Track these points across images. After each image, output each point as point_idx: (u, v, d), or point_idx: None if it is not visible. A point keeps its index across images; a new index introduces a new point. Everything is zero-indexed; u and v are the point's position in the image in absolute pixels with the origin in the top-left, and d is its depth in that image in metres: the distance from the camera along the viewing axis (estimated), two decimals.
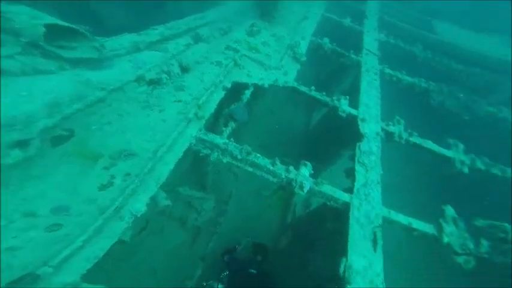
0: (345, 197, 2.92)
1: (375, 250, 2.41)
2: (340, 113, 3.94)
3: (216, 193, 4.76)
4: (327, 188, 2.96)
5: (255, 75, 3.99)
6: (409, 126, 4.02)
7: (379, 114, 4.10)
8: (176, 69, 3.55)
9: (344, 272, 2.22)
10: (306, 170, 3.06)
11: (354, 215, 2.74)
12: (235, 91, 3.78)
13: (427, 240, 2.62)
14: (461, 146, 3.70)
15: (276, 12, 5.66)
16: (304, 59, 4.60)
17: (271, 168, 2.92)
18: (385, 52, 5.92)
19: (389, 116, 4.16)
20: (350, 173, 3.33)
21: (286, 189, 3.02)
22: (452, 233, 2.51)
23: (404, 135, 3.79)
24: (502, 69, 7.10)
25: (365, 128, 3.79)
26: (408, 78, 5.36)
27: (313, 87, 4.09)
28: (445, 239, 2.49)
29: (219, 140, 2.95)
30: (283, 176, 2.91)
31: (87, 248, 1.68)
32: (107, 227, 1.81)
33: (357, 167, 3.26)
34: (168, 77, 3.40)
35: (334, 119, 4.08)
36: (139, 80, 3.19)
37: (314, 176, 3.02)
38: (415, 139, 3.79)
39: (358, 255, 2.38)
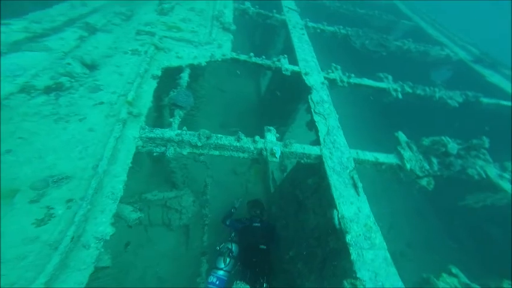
0: (315, 150, 2.96)
1: (358, 194, 2.54)
2: (284, 72, 3.91)
3: (191, 186, 4.46)
4: (297, 147, 2.95)
5: (186, 55, 3.52)
6: (344, 70, 4.29)
7: (317, 65, 4.22)
8: (78, 69, 2.88)
9: (339, 223, 2.28)
10: (271, 135, 2.97)
11: (329, 165, 2.81)
12: (170, 77, 3.31)
13: (393, 169, 2.91)
14: (390, 77, 4.17)
15: None
16: (233, 27, 4.28)
17: (238, 144, 2.75)
18: (301, 7, 6.04)
19: (325, 64, 4.36)
20: (311, 125, 3.41)
21: (259, 160, 2.92)
22: (410, 158, 2.84)
23: (345, 79, 4.03)
24: (389, 9, 8.23)
25: (310, 80, 3.87)
26: (330, 28, 5.65)
27: (252, 54, 3.89)
28: (407, 165, 2.80)
29: (170, 132, 2.59)
30: (252, 148, 2.78)
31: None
32: (72, 260, 1.62)
33: (316, 118, 3.33)
34: (71, 80, 2.75)
35: (281, 79, 4.04)
36: (26, 90, 2.49)
37: (281, 138, 2.95)
38: (354, 79, 4.08)
39: (346, 203, 2.48)
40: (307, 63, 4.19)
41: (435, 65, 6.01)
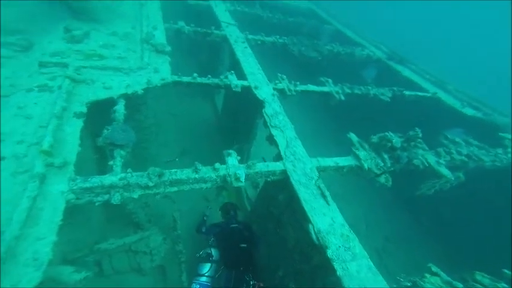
0: (278, 166, 2.91)
1: (328, 203, 2.54)
2: (234, 89, 3.77)
3: (158, 223, 4.00)
4: (261, 166, 2.85)
5: (116, 85, 3.02)
6: (289, 78, 4.39)
7: (265, 77, 4.23)
8: None
9: (317, 238, 2.22)
10: (232, 159, 2.81)
11: (294, 178, 2.78)
12: (100, 112, 2.76)
13: (354, 171, 3.04)
14: (330, 81, 4.45)
15: (95, 7, 4.40)
16: (169, 49, 3.91)
17: (197, 176, 2.57)
18: (237, 20, 6.08)
19: (271, 73, 4.41)
20: (271, 140, 3.36)
21: (226, 186, 2.80)
22: (366, 157, 3.00)
23: (292, 87, 4.13)
24: (310, 14, 9.07)
25: (261, 93, 3.83)
26: (269, 38, 5.81)
27: (195, 74, 3.61)
28: (365, 165, 2.96)
29: (111, 178, 2.24)
30: (214, 177, 2.62)
31: None
32: None
33: (273, 131, 3.29)
34: None
35: (233, 96, 3.88)
36: None
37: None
38: (300, 87, 4.22)
39: (319, 215, 2.46)
40: (255, 76, 4.14)
41: (361, 64, 6.80)
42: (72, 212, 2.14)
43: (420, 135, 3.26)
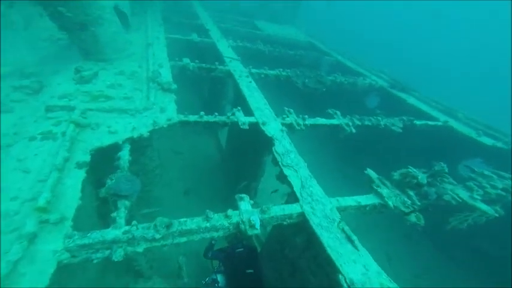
0: (295, 208, 2.71)
1: (357, 248, 2.30)
2: (242, 126, 3.70)
3: (161, 270, 3.67)
4: (276, 210, 2.66)
5: (121, 128, 2.94)
6: (294, 110, 4.36)
7: (272, 112, 4.20)
8: None
9: None
10: (245, 204, 2.64)
11: (315, 222, 2.57)
12: (104, 159, 2.63)
13: (377, 209, 2.84)
14: (338, 113, 4.43)
15: (105, 48, 4.60)
16: (174, 86, 3.94)
17: (208, 224, 2.37)
18: (239, 54, 6.31)
19: (276, 106, 4.39)
20: (282, 179, 3.20)
21: (239, 234, 2.54)
22: (389, 195, 2.83)
23: (301, 121, 4.07)
24: (309, 47, 9.53)
25: (269, 130, 3.75)
26: (272, 72, 5.96)
27: (202, 113, 3.56)
28: (390, 203, 2.79)
29: (114, 232, 2.06)
30: (227, 224, 2.44)
31: None
32: None
33: (286, 171, 3.13)
34: None
35: (239, 133, 3.80)
36: None
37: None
38: (309, 121, 4.17)
39: (349, 263, 2.22)
40: (262, 112, 4.12)
41: (364, 93, 6.92)
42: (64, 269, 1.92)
43: (446, 170, 3.12)
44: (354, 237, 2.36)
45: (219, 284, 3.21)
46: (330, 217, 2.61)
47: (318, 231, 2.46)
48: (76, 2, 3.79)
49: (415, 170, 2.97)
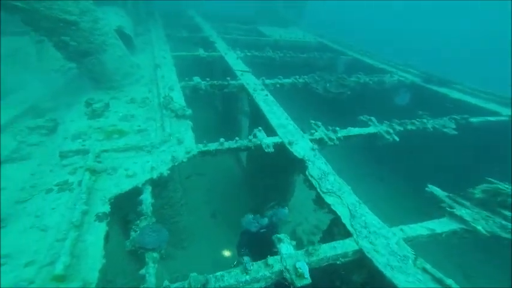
0: (350, 245, 2.36)
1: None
2: (266, 150, 3.41)
3: None
4: (326, 250, 2.33)
5: (139, 169, 2.74)
6: (316, 120, 4.03)
7: (297, 128, 3.89)
8: None
9: None
10: (287, 247, 2.33)
11: (380, 262, 2.21)
12: (122, 207, 2.44)
13: (458, 236, 2.42)
14: (373, 119, 4.05)
15: (113, 75, 4.53)
16: (189, 112, 3.75)
17: (248, 277, 2.12)
18: (249, 64, 6.10)
19: (297, 120, 4.06)
20: (321, 204, 2.85)
21: (284, 281, 2.21)
22: (474, 217, 2.40)
23: (333, 135, 3.74)
24: (321, 48, 9.21)
25: (298, 150, 3.43)
26: (287, 80, 5.68)
27: (222, 140, 3.32)
28: (479, 228, 2.35)
29: None
30: (269, 274, 2.16)
31: None
32: None
33: (328, 200, 2.79)
34: None
35: (263, 156, 3.51)
36: None
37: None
38: (341, 132, 3.82)
39: None
40: (286, 129, 3.82)
41: (391, 90, 6.46)
42: None
43: None
44: (449, 280, 1.94)
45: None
46: (400, 253, 2.22)
47: (389, 273, 2.08)
48: (78, 29, 3.74)
49: (504, 185, 2.52)
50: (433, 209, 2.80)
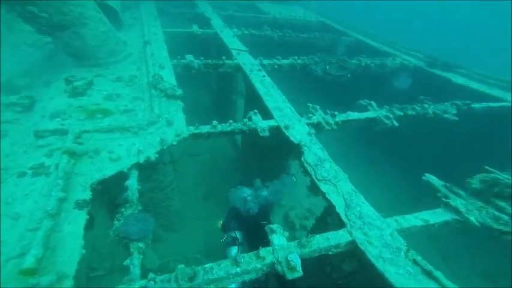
0: (342, 236, 2.30)
1: (443, 286, 1.85)
2: (262, 134, 3.27)
3: None
4: (318, 241, 2.27)
5: (124, 152, 2.58)
6: (314, 103, 3.87)
7: (294, 111, 3.72)
8: None
9: None
10: (279, 238, 2.28)
11: (373, 254, 2.16)
12: (108, 191, 2.31)
13: (450, 227, 2.37)
14: (373, 103, 3.89)
15: (97, 52, 4.21)
16: (180, 92, 3.53)
17: (238, 269, 2.06)
18: (246, 43, 5.77)
19: (293, 102, 3.90)
20: (316, 192, 2.77)
21: (275, 273, 2.17)
22: (468, 207, 2.34)
23: (330, 120, 3.59)
24: (322, 28, 8.77)
25: (295, 134, 3.29)
26: (286, 61, 5.42)
27: (215, 122, 3.15)
28: (472, 219, 2.25)
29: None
30: (260, 266, 2.11)
31: None
32: None
33: (323, 188, 2.70)
34: None
35: (259, 140, 3.38)
36: None
37: None
38: (340, 117, 3.68)
39: None
40: (282, 112, 3.65)
41: (393, 74, 6.23)
42: None
43: None
44: (437, 273, 1.91)
45: (239, 241, 3.24)
46: (393, 245, 2.17)
47: (381, 265, 2.04)
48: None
49: (502, 175, 2.44)
50: (424, 194, 2.74)
